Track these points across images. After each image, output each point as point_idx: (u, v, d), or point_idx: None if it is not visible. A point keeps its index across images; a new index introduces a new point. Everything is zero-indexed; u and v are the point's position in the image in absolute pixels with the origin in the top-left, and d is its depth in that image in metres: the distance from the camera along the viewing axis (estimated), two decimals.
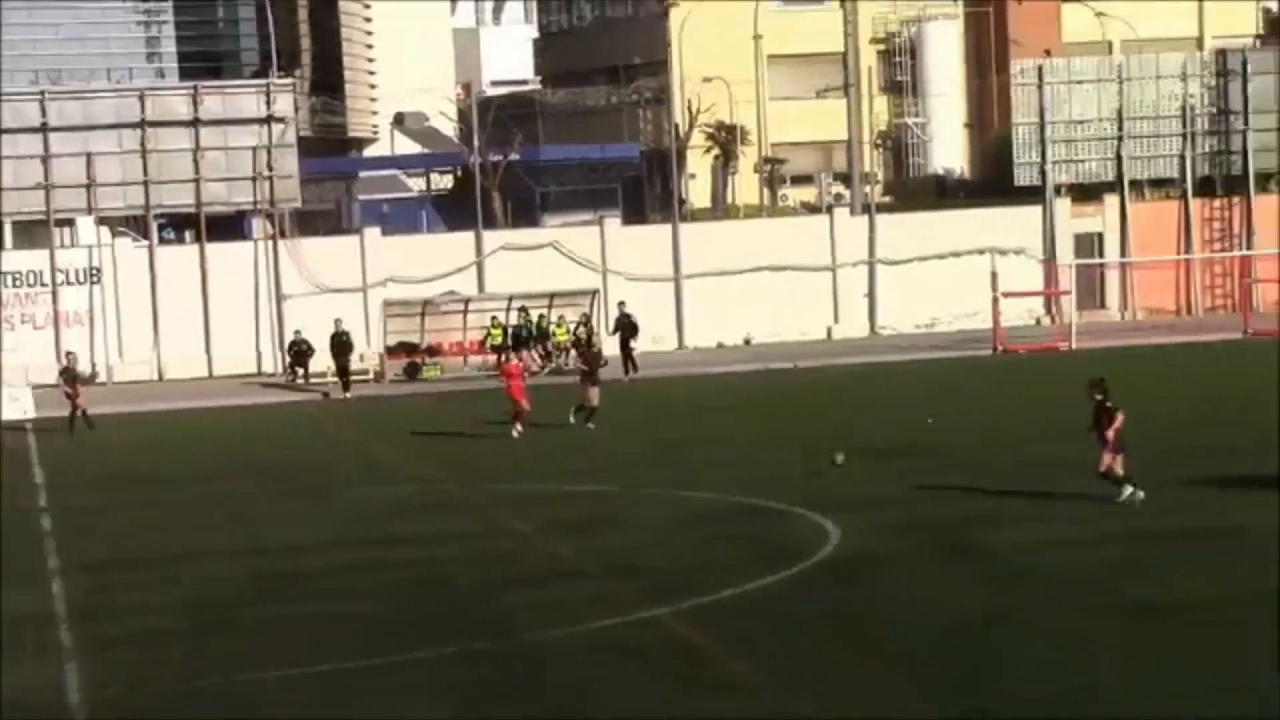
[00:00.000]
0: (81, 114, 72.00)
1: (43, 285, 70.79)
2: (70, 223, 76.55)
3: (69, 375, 56.81)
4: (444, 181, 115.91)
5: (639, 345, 66.41)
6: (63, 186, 71.10)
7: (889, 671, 23.07)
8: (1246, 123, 79.34)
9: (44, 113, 71.35)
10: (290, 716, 22.35)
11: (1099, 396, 33.25)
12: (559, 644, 25.32)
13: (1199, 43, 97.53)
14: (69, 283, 71.02)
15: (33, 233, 76.90)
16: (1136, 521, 31.63)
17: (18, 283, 70.69)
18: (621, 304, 67.59)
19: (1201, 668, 22.39)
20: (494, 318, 68.67)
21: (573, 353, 67.30)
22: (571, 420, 48.62)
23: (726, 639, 24.83)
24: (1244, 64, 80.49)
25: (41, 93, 73.20)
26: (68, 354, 60.03)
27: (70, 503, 40.71)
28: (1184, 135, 79.61)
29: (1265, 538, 29.48)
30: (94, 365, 69.82)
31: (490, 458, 45.59)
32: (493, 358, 67.11)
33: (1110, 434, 32.76)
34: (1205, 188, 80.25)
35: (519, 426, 47.49)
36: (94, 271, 71.39)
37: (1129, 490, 32.75)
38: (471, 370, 68.14)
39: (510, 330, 68.36)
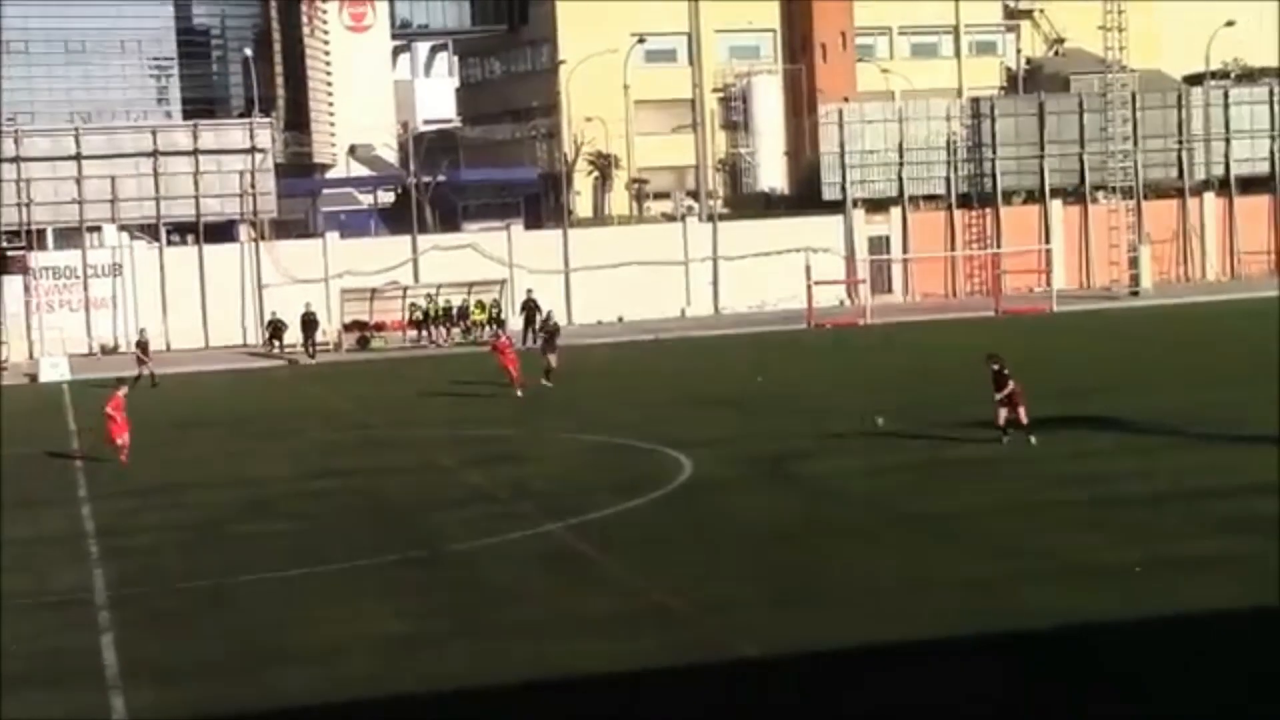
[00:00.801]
0: (107, 145, 71.06)
1: (76, 277, 69.83)
2: (98, 229, 75.44)
3: (141, 345, 55.99)
4: (387, 197, 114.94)
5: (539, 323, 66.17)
6: (92, 201, 70.18)
7: (728, 567, 23.03)
8: (995, 153, 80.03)
9: (78, 144, 70.38)
10: (267, 611, 22.05)
11: (995, 366, 32.02)
12: (479, 551, 25.16)
13: (959, 92, 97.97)
14: (97, 275, 70.04)
15: (69, 237, 75.87)
16: (917, 454, 31.73)
17: (57, 275, 69.76)
18: (529, 291, 67.36)
19: (950, 556, 22.59)
20: (413, 304, 68.72)
21: (487, 328, 67.17)
22: (544, 383, 46.77)
23: (605, 547, 24.73)
24: (992, 108, 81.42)
25: (76, 129, 72.12)
26: (140, 329, 58.74)
27: (96, 445, 40.08)
28: (948, 162, 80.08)
29: (1003, 466, 29.77)
30: (115, 338, 68.90)
31: (421, 409, 45.24)
32: (413, 332, 67.71)
33: (1004, 395, 31.58)
34: (964, 201, 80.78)
35: (519, 390, 45.46)
36: (116, 267, 70.47)
37: (1033, 438, 31.36)
38: (407, 342, 67.71)
39: (432, 310, 68.47)
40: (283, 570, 24.21)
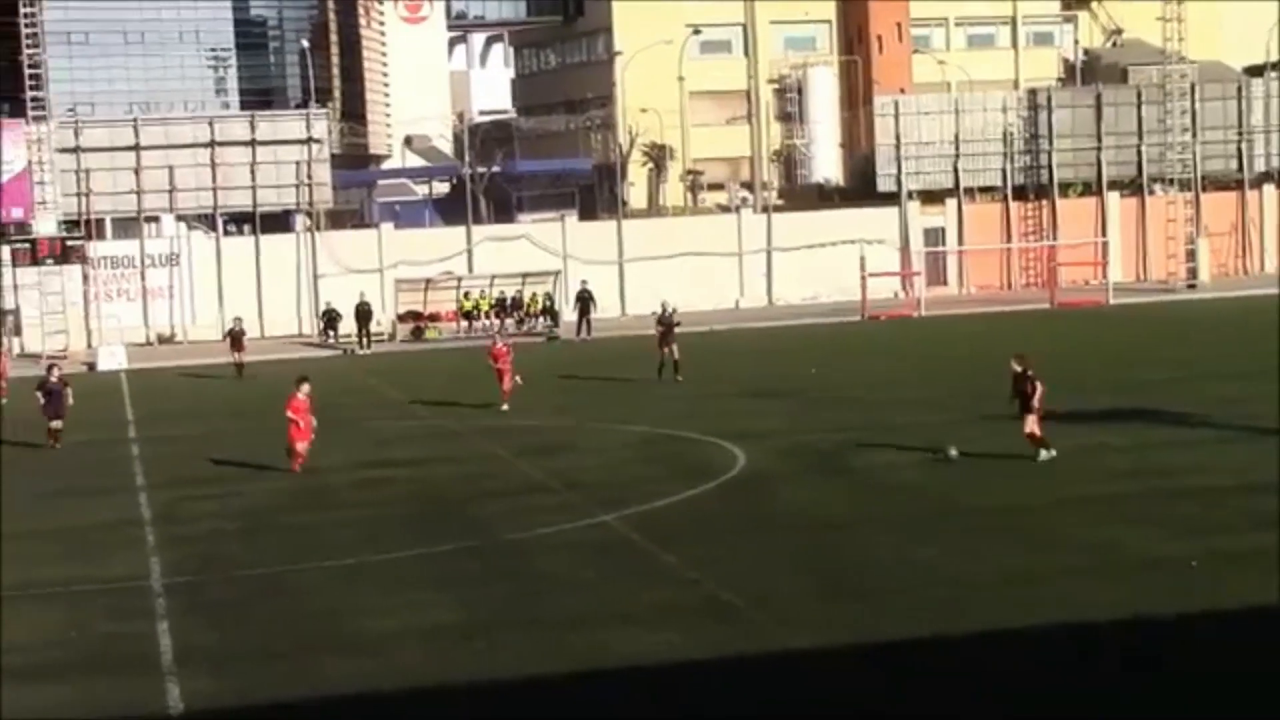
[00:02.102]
0: (165, 136, 71.56)
1: (134, 267, 70.38)
2: (156, 219, 76.01)
3: (233, 336, 56.06)
4: (442, 188, 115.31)
5: (594, 313, 66.23)
6: (150, 191, 70.71)
7: (781, 559, 23.00)
8: (1051, 144, 79.67)
9: (137, 135, 70.88)
10: (321, 600, 22.16)
11: (1019, 368, 29.99)
12: (531, 542, 25.18)
13: (1015, 83, 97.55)
14: (154, 265, 70.56)
15: (127, 227, 76.44)
16: (972, 445, 31.58)
17: (115, 265, 70.30)
18: (584, 282, 67.42)
19: (1004, 549, 22.50)
20: (466, 293, 68.89)
21: (542, 318, 67.42)
22: (677, 378, 45.30)
23: (658, 537, 24.72)
24: (1049, 100, 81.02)
25: (134, 120, 72.61)
26: (235, 319, 58.93)
27: (153, 434, 40.37)
28: (1004, 154, 79.82)
29: (1065, 460, 29.57)
30: (172, 327, 69.38)
31: (475, 398, 45.31)
32: (473, 323, 67.52)
33: (1035, 402, 29.67)
34: (1020, 193, 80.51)
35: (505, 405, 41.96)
36: (173, 256, 71.00)
37: (1045, 453, 29.41)
38: (461, 333, 67.85)
39: (485, 302, 68.66)
40: (338, 559, 24.31)
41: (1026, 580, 21.07)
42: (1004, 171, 79.95)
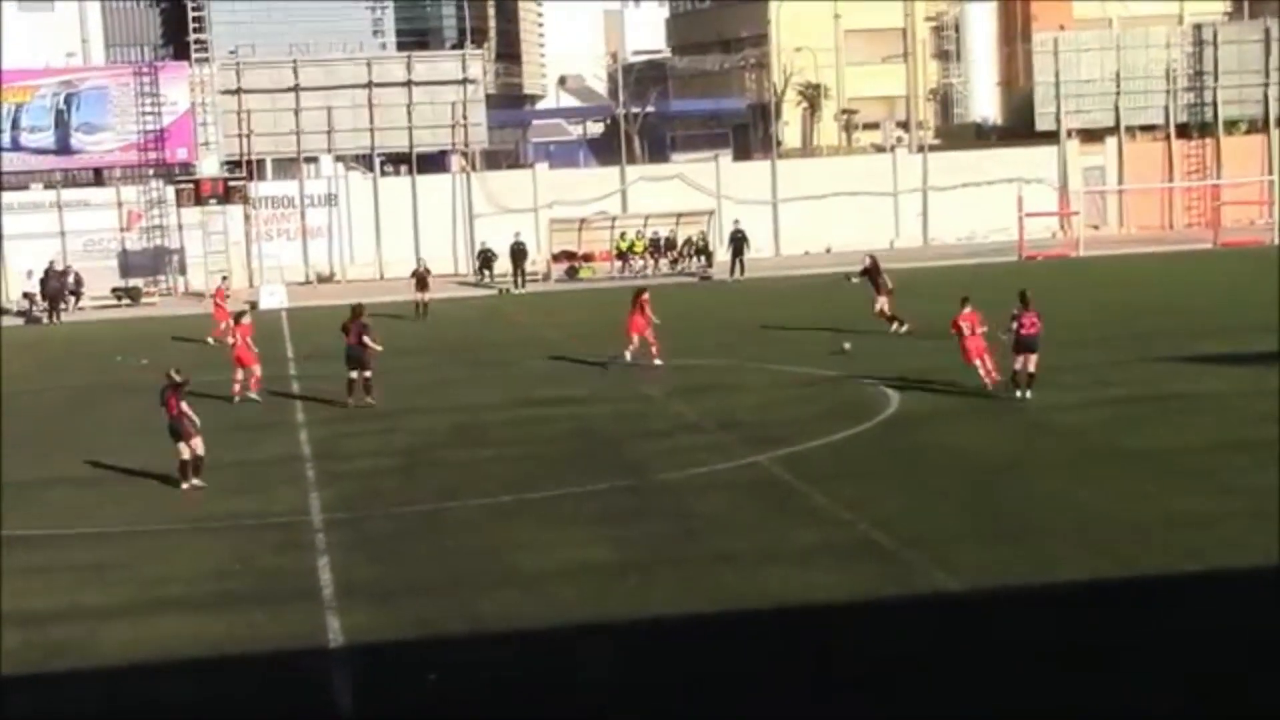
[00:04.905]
0: (324, 77, 72.13)
1: (293, 207, 71.25)
2: (315, 160, 76.87)
3: (419, 277, 56.50)
4: (596, 128, 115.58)
5: (747, 254, 66.00)
6: (309, 132, 71.37)
7: (934, 500, 22.89)
8: (1216, 80, 77.98)
9: (296, 76, 71.56)
10: (477, 537, 22.42)
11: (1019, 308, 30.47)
12: (684, 481, 25.28)
13: (1180, 19, 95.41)
14: (313, 205, 71.38)
15: (286, 168, 77.44)
16: (1128, 389, 31.15)
17: (275, 205, 71.24)
18: (736, 221, 67.19)
19: (1162, 491, 22.20)
20: (622, 234, 68.80)
21: (696, 259, 67.40)
22: (902, 329, 42.83)
23: (811, 478, 24.71)
24: (1214, 35, 79.25)
25: (294, 61, 73.29)
26: (420, 259, 59.32)
27: (312, 371, 40.96)
28: (1167, 91, 78.21)
29: (1219, 400, 29.09)
30: (331, 267, 70.27)
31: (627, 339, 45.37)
32: (628, 263, 67.48)
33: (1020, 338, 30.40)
34: (1183, 131, 78.96)
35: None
36: (332, 197, 71.78)
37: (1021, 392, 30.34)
38: (615, 273, 67.95)
39: (638, 243, 68.59)
40: (494, 496, 24.58)
41: (1191, 523, 20.76)
42: (1166, 109, 78.37)
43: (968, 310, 31.89)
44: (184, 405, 26.24)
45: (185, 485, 25.97)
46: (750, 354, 40.02)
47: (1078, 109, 77.91)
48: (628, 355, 38.80)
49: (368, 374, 34.22)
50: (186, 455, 26.12)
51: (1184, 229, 76.72)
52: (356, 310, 35.17)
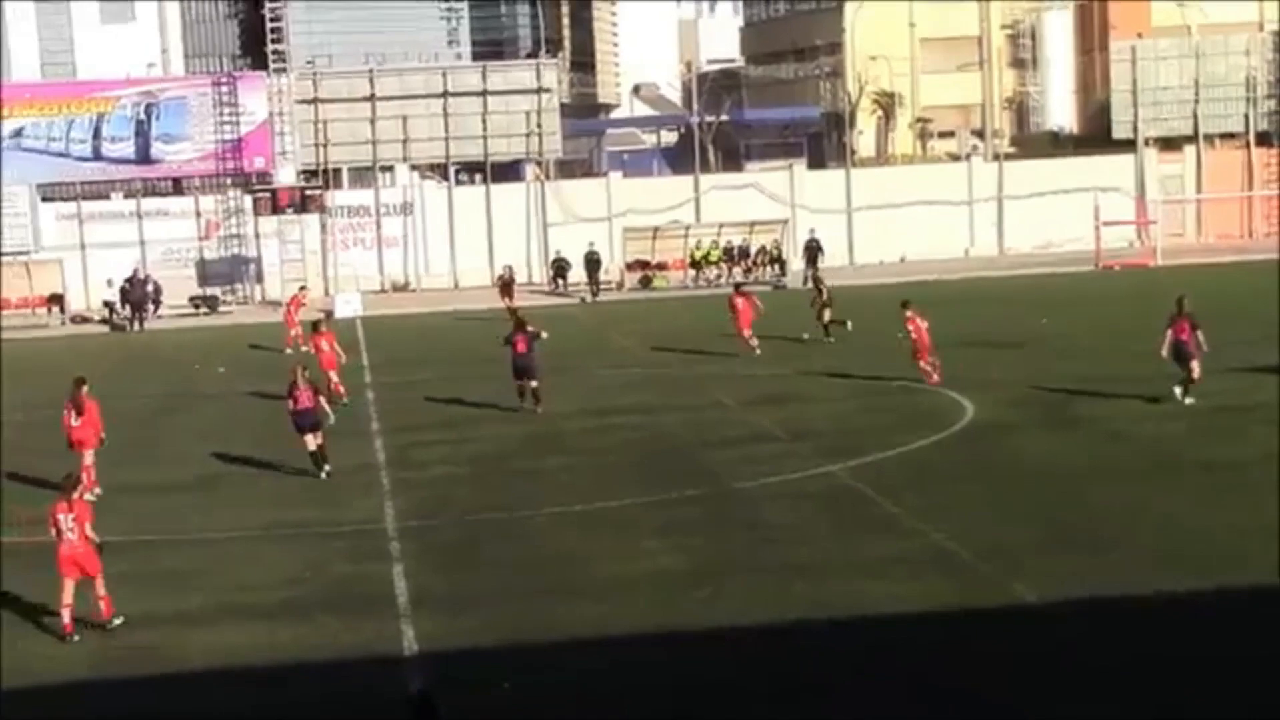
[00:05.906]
0: (399, 86, 72.47)
1: (369, 216, 71.60)
2: (390, 169, 77.26)
3: (503, 284, 56.77)
4: (670, 137, 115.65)
5: (822, 263, 65.84)
6: (385, 142, 71.72)
7: (1008, 510, 22.78)
8: None
9: (372, 86, 71.95)
10: (551, 545, 22.49)
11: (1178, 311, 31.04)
12: (756, 490, 25.28)
13: (1260, 25, 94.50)
14: (389, 214, 71.73)
15: (362, 177, 77.88)
16: (1208, 400, 30.86)
17: (351, 214, 71.60)
18: (811, 230, 67.11)
19: (1237, 503, 22.01)
20: (697, 243, 68.71)
21: (770, 267, 67.32)
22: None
23: (884, 488, 24.64)
24: None
25: (370, 71, 73.71)
26: (505, 266, 59.65)
27: (388, 380, 41.19)
28: (1247, 99, 77.54)
29: None
30: (406, 275, 70.61)
31: (701, 347, 45.39)
32: (701, 272, 67.41)
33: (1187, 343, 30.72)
34: (1264, 140, 78.21)
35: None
36: (407, 206, 72.10)
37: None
38: (689, 282, 67.90)
39: (713, 252, 68.51)
40: (567, 505, 24.64)
41: (1258, 535, 20.55)
42: (1246, 117, 77.65)
43: (909, 314, 34.99)
44: (321, 399, 28.24)
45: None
46: (823, 363, 39.89)
47: (1155, 117, 77.33)
48: (756, 349, 41.51)
49: (534, 383, 34.04)
50: (313, 446, 27.71)
51: (1263, 238, 75.96)
52: (520, 320, 35.03)
